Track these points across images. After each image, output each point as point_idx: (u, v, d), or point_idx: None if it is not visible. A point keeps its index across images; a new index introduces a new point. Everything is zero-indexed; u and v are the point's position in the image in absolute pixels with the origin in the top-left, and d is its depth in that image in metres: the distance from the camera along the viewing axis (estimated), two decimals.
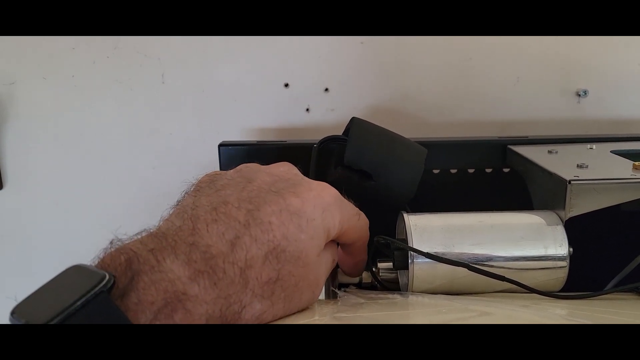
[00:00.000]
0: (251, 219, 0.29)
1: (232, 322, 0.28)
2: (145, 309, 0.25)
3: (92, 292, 0.22)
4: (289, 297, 0.30)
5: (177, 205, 0.31)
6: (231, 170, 0.33)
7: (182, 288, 0.26)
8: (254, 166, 0.34)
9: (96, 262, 0.26)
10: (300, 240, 0.30)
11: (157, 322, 0.25)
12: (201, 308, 0.26)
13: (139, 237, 0.28)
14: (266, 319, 0.29)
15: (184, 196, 0.32)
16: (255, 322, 0.29)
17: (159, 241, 0.27)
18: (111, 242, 0.27)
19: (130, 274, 0.25)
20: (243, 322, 0.28)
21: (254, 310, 0.28)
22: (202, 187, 0.32)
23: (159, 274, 0.25)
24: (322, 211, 0.31)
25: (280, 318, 0.30)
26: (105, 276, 0.23)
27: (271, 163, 0.35)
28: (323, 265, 0.32)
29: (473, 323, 0.31)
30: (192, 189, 0.32)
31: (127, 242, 0.27)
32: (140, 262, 0.25)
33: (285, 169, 0.34)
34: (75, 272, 0.24)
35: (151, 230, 0.28)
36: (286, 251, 0.29)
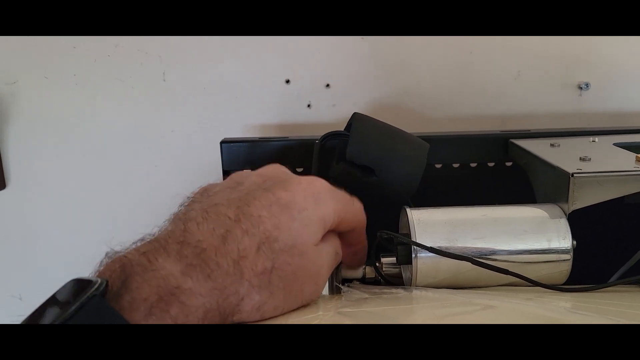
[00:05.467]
0: (241, 214, 0.29)
1: (231, 315, 0.28)
2: (139, 305, 0.25)
3: (86, 297, 0.24)
4: (288, 287, 0.30)
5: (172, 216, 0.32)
6: (224, 180, 0.34)
7: (175, 282, 0.26)
8: (244, 172, 0.35)
9: (94, 274, 0.27)
10: (293, 229, 0.30)
11: (153, 317, 0.25)
12: (197, 301, 0.27)
13: (134, 245, 0.29)
14: (267, 310, 0.29)
15: (179, 208, 0.32)
16: (256, 314, 0.29)
17: (152, 245, 0.28)
18: (106, 254, 0.28)
19: (123, 276, 0.26)
20: (243, 314, 0.29)
21: (253, 302, 0.29)
22: (196, 198, 0.33)
23: (151, 273, 0.26)
24: (314, 201, 0.32)
25: (283, 311, 0.30)
26: (97, 281, 0.25)
27: (273, 159, 0.36)
28: (324, 256, 0.32)
29: (477, 317, 0.31)
30: (186, 202, 0.33)
31: (121, 252, 0.28)
32: (133, 264, 0.26)
33: (273, 168, 0.34)
34: (73, 283, 0.25)
35: (146, 239, 0.29)
36: (279, 240, 0.29)
